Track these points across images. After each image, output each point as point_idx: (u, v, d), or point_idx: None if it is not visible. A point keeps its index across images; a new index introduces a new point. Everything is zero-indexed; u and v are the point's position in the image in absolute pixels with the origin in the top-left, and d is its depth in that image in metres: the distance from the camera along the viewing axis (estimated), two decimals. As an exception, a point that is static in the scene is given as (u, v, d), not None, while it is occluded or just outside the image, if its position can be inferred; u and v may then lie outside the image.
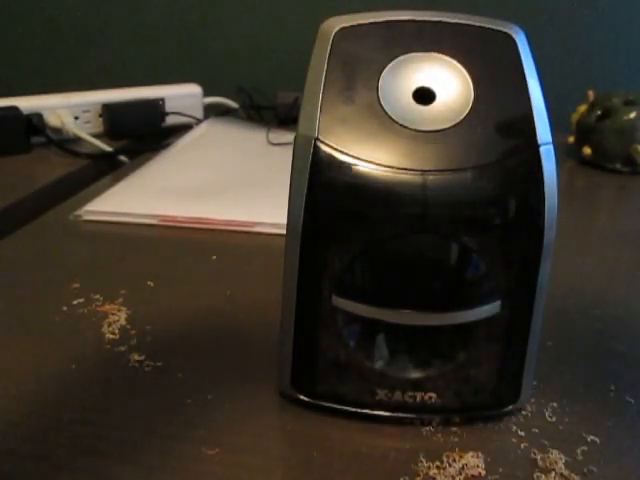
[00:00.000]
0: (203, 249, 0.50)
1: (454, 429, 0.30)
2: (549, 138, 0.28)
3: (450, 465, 0.28)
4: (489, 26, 0.29)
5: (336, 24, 0.29)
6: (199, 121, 0.85)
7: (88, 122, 0.78)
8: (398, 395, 0.30)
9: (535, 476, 0.28)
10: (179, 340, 0.37)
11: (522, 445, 0.30)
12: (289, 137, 0.29)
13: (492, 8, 0.90)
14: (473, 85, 0.28)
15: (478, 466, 0.28)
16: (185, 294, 0.43)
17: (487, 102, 0.28)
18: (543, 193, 0.27)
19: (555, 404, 0.32)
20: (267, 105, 0.88)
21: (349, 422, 0.31)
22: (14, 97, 0.73)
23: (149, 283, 0.44)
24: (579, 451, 0.29)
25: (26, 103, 0.73)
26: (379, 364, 0.30)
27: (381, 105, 0.28)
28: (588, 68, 0.90)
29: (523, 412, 0.32)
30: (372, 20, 0.29)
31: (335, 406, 0.31)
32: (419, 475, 0.28)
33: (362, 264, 0.28)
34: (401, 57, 0.29)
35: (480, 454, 0.29)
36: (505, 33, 0.29)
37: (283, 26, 0.97)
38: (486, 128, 0.27)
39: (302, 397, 0.31)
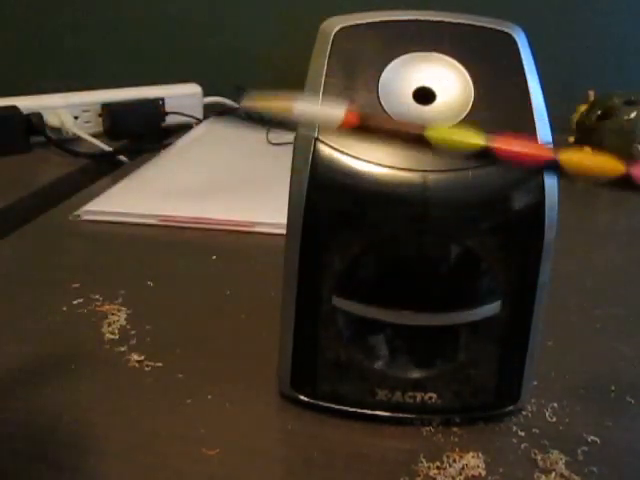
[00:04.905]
0: (203, 249, 0.50)
1: (454, 429, 0.30)
2: (549, 138, 0.28)
3: (450, 465, 0.28)
4: (489, 26, 0.29)
5: (336, 24, 0.29)
6: (199, 121, 0.85)
7: (88, 122, 0.78)
8: (398, 395, 0.30)
9: (535, 476, 0.28)
10: (179, 340, 0.37)
11: (522, 445, 0.30)
12: (289, 137, 0.29)
13: (492, 8, 0.90)
14: (473, 85, 0.28)
15: (478, 466, 0.28)
16: (185, 294, 0.43)
17: (487, 102, 0.28)
18: (543, 193, 0.27)
19: (555, 404, 0.32)
20: (267, 105, 0.88)
21: (349, 422, 0.31)
22: (14, 97, 0.73)
23: (149, 283, 0.44)
24: (579, 451, 0.29)
25: (26, 103, 0.73)
26: (379, 364, 0.30)
27: (381, 105, 0.28)
28: (588, 68, 0.90)
29: (523, 412, 0.32)
30: (372, 20, 0.29)
31: (335, 406, 0.31)
32: (419, 475, 0.28)
33: (362, 264, 0.28)
34: (401, 57, 0.29)
35: (480, 454, 0.29)
36: (505, 33, 0.29)
37: (283, 26, 0.97)
38: (486, 128, 0.27)
39: (302, 397, 0.31)
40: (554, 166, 0.23)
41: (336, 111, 0.24)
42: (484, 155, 0.23)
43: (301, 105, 0.24)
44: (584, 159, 0.22)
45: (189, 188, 0.61)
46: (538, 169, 0.24)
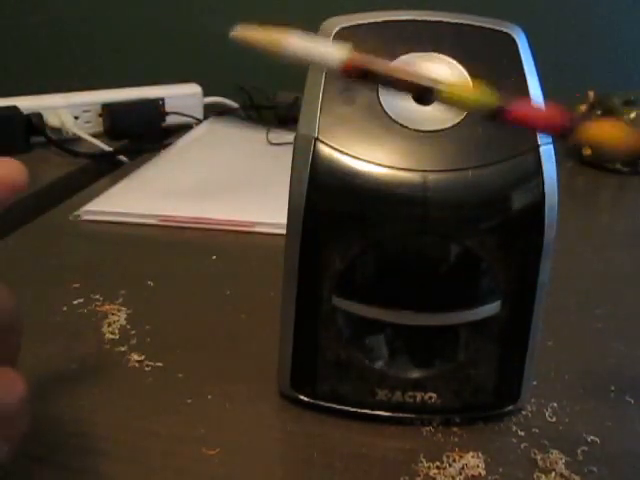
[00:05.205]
0: (203, 249, 0.50)
1: (454, 429, 0.30)
2: (549, 138, 0.28)
3: (450, 465, 0.28)
4: (489, 26, 0.29)
5: (336, 24, 0.29)
6: (199, 121, 0.85)
7: (88, 122, 0.78)
8: (398, 395, 0.30)
9: (535, 476, 0.28)
10: (179, 340, 0.37)
11: (522, 445, 0.30)
12: (289, 137, 0.29)
13: (492, 8, 0.90)
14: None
15: (478, 466, 0.28)
16: (185, 294, 0.43)
17: (487, 102, 0.28)
18: (543, 193, 0.27)
19: (555, 404, 0.32)
20: (267, 105, 0.88)
21: (349, 422, 0.31)
22: (14, 97, 0.73)
23: (149, 283, 0.44)
24: (579, 451, 0.29)
25: (26, 103, 0.73)
26: (379, 364, 0.30)
27: (381, 105, 0.28)
28: (588, 68, 0.90)
29: (523, 412, 0.32)
30: (372, 20, 0.29)
31: (335, 406, 0.31)
32: (419, 475, 0.28)
33: (362, 264, 0.28)
34: (401, 57, 0.29)
35: (480, 454, 0.29)
36: (505, 33, 0.29)
37: (283, 26, 0.97)
38: (486, 128, 0.27)
39: (302, 397, 0.31)
40: (569, 133, 0.22)
41: (337, 51, 0.22)
42: (496, 116, 0.22)
43: (297, 40, 0.22)
44: (604, 129, 0.21)
45: (189, 188, 0.61)
46: (552, 134, 0.23)
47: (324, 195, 0.27)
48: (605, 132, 0.21)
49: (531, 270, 0.28)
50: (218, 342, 0.37)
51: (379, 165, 0.27)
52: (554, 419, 0.31)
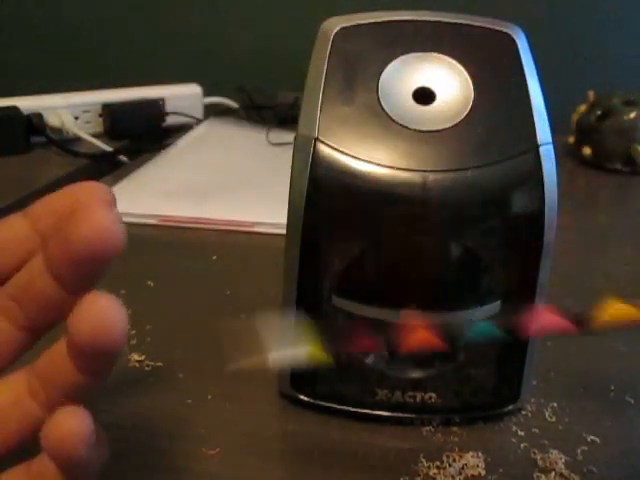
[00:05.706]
0: (203, 249, 0.50)
1: (454, 429, 0.30)
2: (549, 138, 0.28)
3: (450, 465, 0.28)
4: (489, 26, 0.29)
5: (336, 24, 0.29)
6: (199, 121, 0.85)
7: (88, 122, 0.78)
8: (398, 395, 0.30)
9: (535, 476, 0.28)
10: (179, 340, 0.37)
11: (522, 445, 0.30)
12: (289, 137, 0.29)
13: (492, 8, 0.90)
14: (473, 85, 0.28)
15: (478, 466, 0.28)
16: (185, 294, 0.43)
17: (487, 102, 0.28)
18: (543, 193, 0.27)
19: (555, 404, 0.32)
20: (267, 105, 0.88)
21: (349, 422, 0.31)
22: (14, 97, 0.73)
23: (149, 283, 0.44)
24: (579, 451, 0.29)
25: (26, 103, 0.73)
26: (379, 364, 0.30)
27: (381, 105, 0.28)
28: (588, 68, 0.90)
29: (523, 412, 0.32)
30: (372, 20, 0.29)
31: (335, 406, 0.31)
32: (419, 475, 0.28)
33: (362, 264, 0.28)
34: (401, 57, 0.29)
35: (480, 454, 0.29)
36: (505, 33, 0.29)
37: (283, 26, 0.97)
38: (486, 128, 0.27)
39: (302, 397, 0.31)
40: (585, 326, 0.24)
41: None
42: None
43: (274, 355, 0.24)
44: (615, 313, 0.24)
45: (189, 188, 0.61)
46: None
47: (324, 195, 0.27)
48: (618, 314, 0.24)
49: (531, 270, 0.28)
50: (218, 342, 0.37)
51: (379, 165, 0.27)
52: (554, 419, 0.31)
